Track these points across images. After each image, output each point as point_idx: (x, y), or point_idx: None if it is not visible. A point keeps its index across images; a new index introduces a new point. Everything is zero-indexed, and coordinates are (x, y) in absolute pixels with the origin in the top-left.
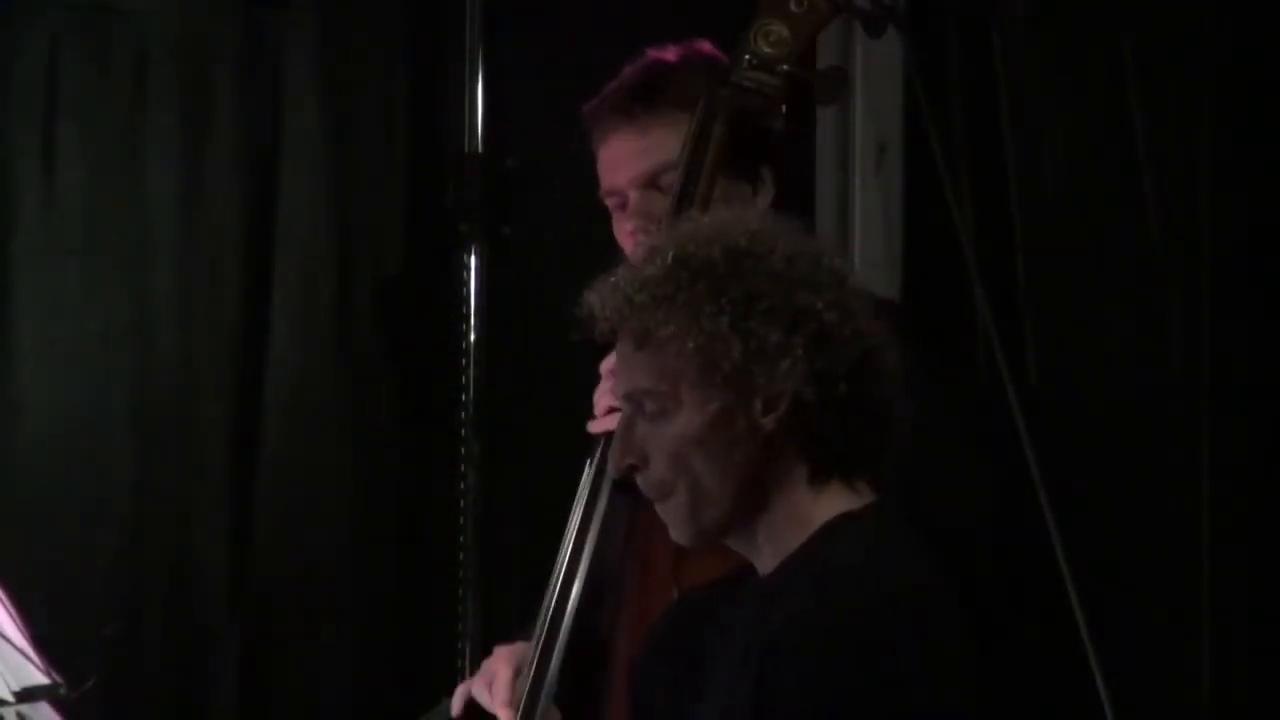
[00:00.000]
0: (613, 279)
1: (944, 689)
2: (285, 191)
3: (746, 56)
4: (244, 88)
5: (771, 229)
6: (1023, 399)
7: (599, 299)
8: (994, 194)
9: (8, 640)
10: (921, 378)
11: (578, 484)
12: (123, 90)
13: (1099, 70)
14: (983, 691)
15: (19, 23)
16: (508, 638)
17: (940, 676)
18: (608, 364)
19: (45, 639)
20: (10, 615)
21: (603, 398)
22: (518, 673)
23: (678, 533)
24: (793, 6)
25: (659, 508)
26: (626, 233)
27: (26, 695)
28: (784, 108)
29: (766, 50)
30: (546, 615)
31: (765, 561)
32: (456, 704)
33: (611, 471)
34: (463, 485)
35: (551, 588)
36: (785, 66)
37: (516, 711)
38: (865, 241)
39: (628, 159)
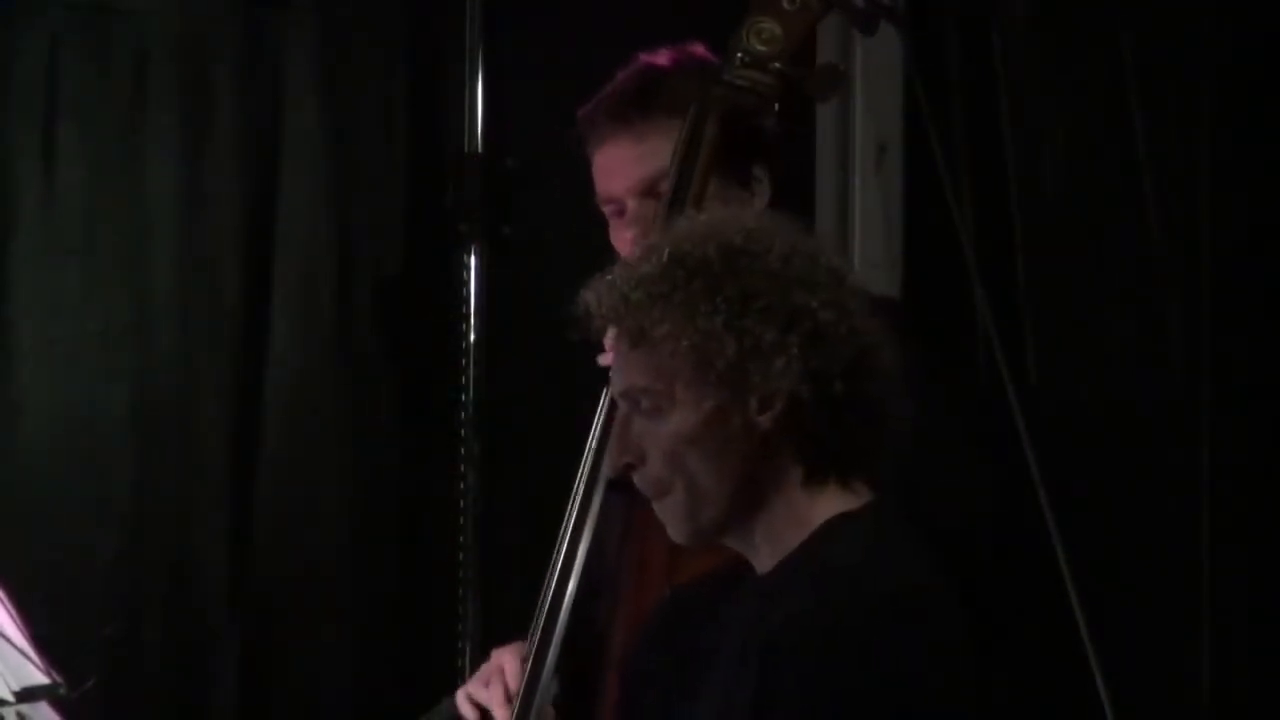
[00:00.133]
0: (609, 277)
1: (944, 689)
2: (285, 191)
3: (739, 54)
4: (244, 88)
5: (768, 227)
6: (1023, 399)
7: (595, 297)
8: (994, 194)
9: (8, 640)
10: (921, 378)
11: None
12: (123, 90)
13: (1099, 70)
14: (983, 691)
15: (19, 23)
16: (508, 638)
17: (941, 676)
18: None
19: (45, 639)
20: (10, 615)
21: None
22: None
23: (675, 532)
24: (785, 4)
25: (656, 506)
26: (625, 240)
27: (26, 695)
28: (777, 106)
29: (759, 48)
30: (542, 614)
31: (763, 561)
32: (466, 709)
33: (609, 470)
34: (463, 485)
35: (547, 586)
36: (778, 64)
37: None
38: (865, 241)
39: (624, 167)
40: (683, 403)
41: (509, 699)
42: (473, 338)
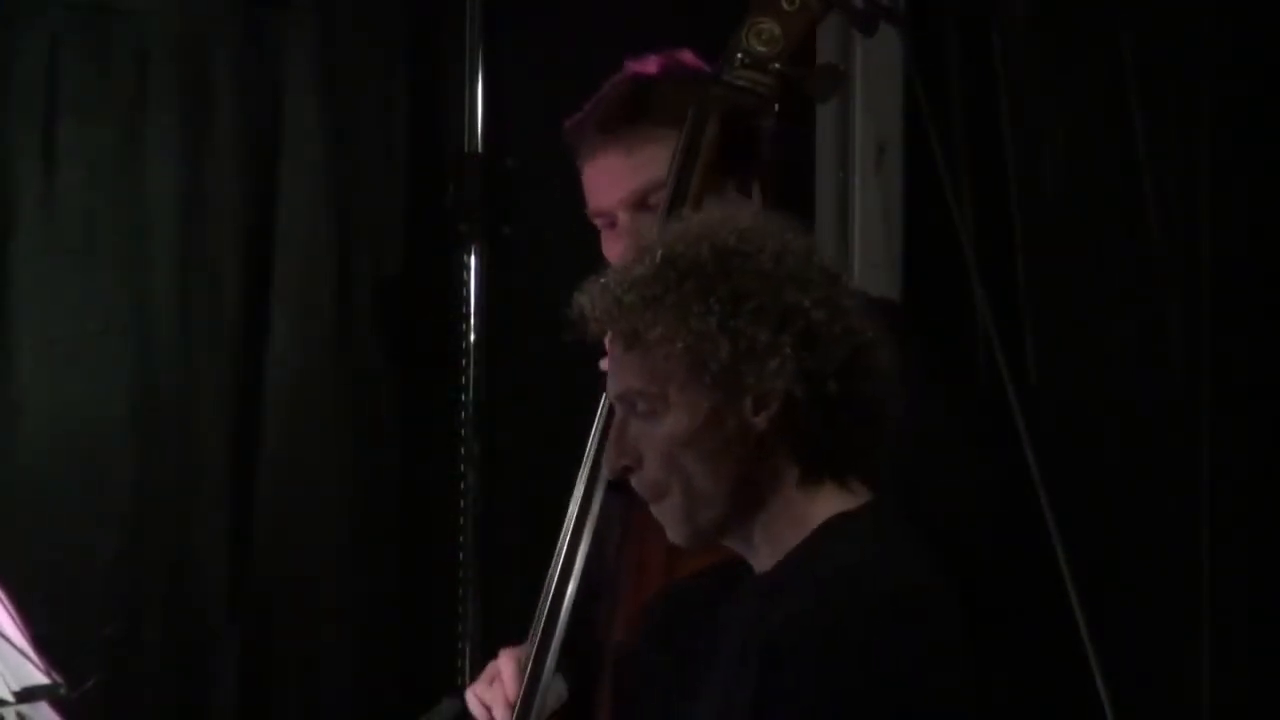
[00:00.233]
0: (602, 280)
1: (944, 688)
2: (285, 191)
3: (739, 55)
4: (244, 88)
5: (761, 227)
6: (1023, 399)
7: (589, 300)
8: (994, 194)
9: (8, 640)
10: (921, 378)
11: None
12: (123, 90)
13: (1099, 70)
14: (982, 691)
15: (19, 23)
16: (507, 638)
17: (940, 676)
18: None
19: (45, 639)
20: (10, 615)
21: None
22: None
23: (674, 533)
24: (784, 4)
25: (654, 509)
26: (617, 252)
27: (26, 695)
28: (777, 106)
29: (759, 48)
30: (542, 615)
31: (762, 561)
32: (477, 709)
33: (606, 472)
34: (463, 485)
35: (547, 588)
36: (777, 65)
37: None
38: (865, 241)
39: (615, 179)
40: (678, 405)
41: (508, 703)
42: (473, 338)
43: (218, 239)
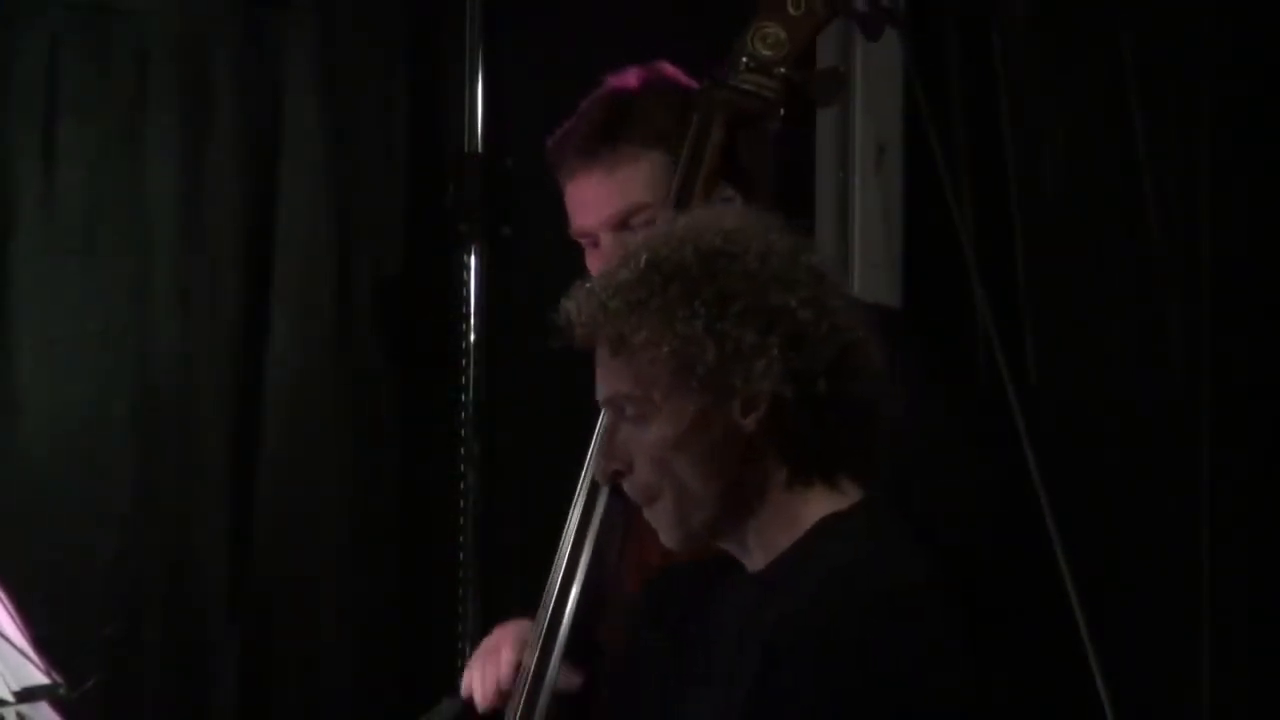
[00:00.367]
0: (587, 284)
1: (942, 686)
2: (285, 191)
3: (743, 59)
4: (244, 88)
5: (747, 227)
6: (1023, 399)
7: (574, 305)
8: (994, 194)
9: (8, 640)
10: (921, 378)
11: (577, 484)
12: (123, 90)
13: (1099, 70)
14: (980, 688)
15: (19, 23)
16: None
17: (938, 674)
18: None
19: (45, 639)
20: (10, 615)
21: None
22: (518, 666)
23: (667, 537)
24: (790, 9)
25: (647, 513)
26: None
27: (26, 695)
28: (782, 110)
29: (764, 53)
30: (545, 617)
31: (756, 563)
32: (475, 688)
33: (597, 477)
34: (463, 485)
35: (550, 590)
36: (782, 69)
37: (515, 711)
38: (865, 241)
39: (597, 202)
40: (666, 408)
41: (498, 686)
42: (473, 338)
43: (218, 239)
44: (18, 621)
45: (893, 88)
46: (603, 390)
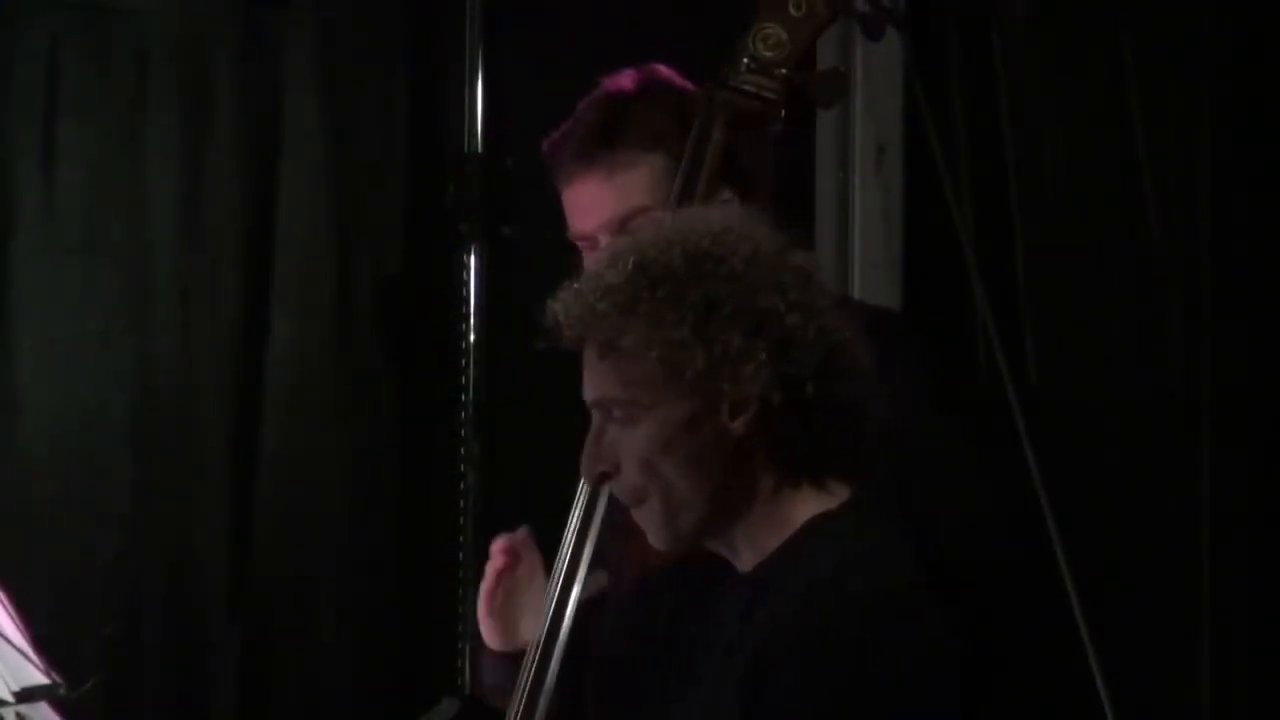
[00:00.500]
0: (576, 285)
1: (936, 686)
2: (285, 191)
3: (745, 60)
4: (244, 88)
5: (734, 228)
6: (1023, 399)
7: (562, 307)
8: (994, 194)
9: (7, 640)
10: (921, 378)
11: (577, 484)
12: (123, 90)
13: (1099, 70)
14: (977, 686)
15: (19, 23)
16: None
17: (932, 673)
18: None
19: (45, 639)
20: (10, 616)
21: None
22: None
23: (655, 538)
24: (791, 10)
25: (635, 514)
26: None
27: (26, 695)
28: (783, 112)
29: (765, 54)
30: (547, 616)
31: (745, 563)
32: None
33: (585, 479)
34: (463, 485)
35: (551, 589)
36: (783, 70)
37: (516, 711)
38: (865, 241)
39: (595, 206)
40: (654, 412)
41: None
42: (473, 338)
43: (218, 239)
44: (18, 621)
45: (893, 87)
46: (590, 392)
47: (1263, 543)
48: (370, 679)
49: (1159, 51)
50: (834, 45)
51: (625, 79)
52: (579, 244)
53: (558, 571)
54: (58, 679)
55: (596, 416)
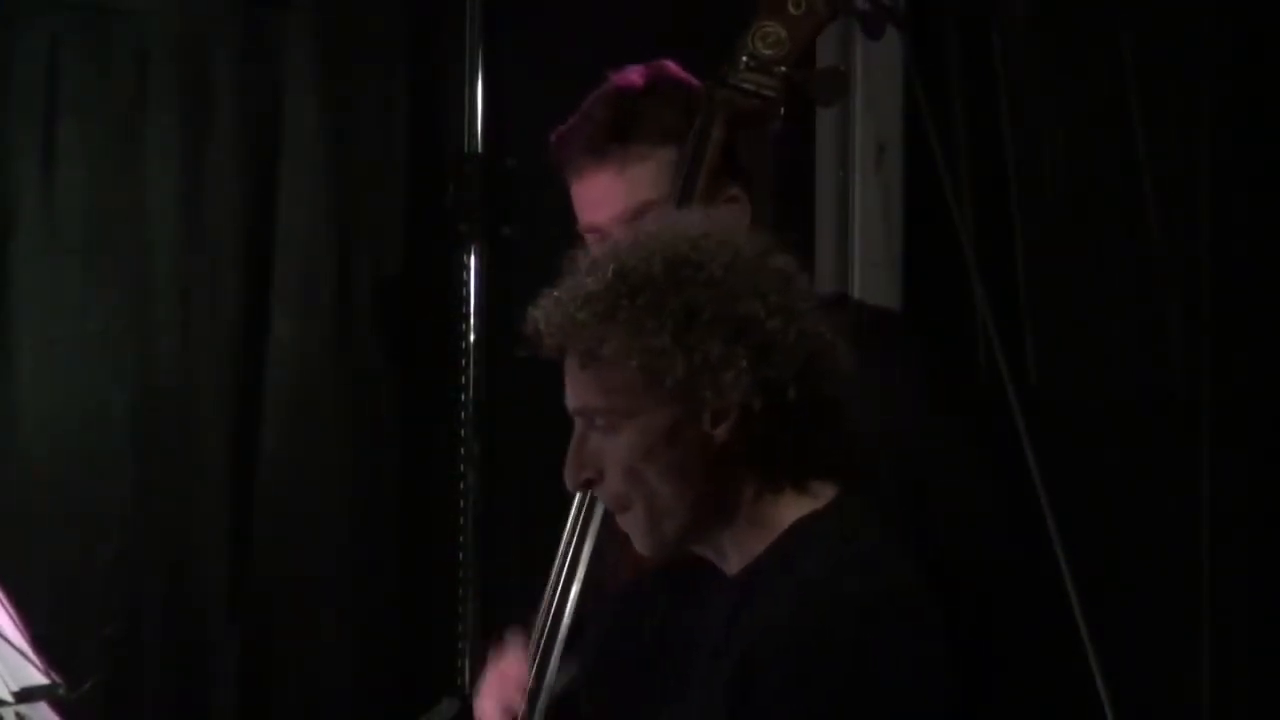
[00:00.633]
0: (555, 293)
1: (933, 686)
2: (285, 191)
3: (744, 58)
4: (244, 88)
5: (714, 233)
6: (1023, 399)
7: (543, 316)
8: (994, 194)
9: (7, 641)
10: (921, 378)
11: None
12: (123, 90)
13: (1099, 70)
14: (977, 686)
15: (19, 23)
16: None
17: (929, 673)
18: None
19: (45, 639)
20: (10, 616)
21: None
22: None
23: (640, 544)
24: (791, 8)
25: (619, 520)
26: None
27: (26, 695)
28: (783, 110)
29: (765, 52)
30: (546, 617)
31: (732, 566)
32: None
33: (568, 486)
34: (463, 485)
35: (551, 590)
36: (783, 68)
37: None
38: (865, 241)
39: (608, 199)
40: (636, 419)
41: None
42: (473, 338)
43: (218, 239)
44: (17, 621)
45: (893, 87)
46: (572, 400)
47: (1263, 543)
48: (370, 679)
49: (1159, 51)
50: (834, 44)
51: (634, 74)
52: (588, 236)
53: (557, 572)
54: (57, 679)
55: (579, 424)
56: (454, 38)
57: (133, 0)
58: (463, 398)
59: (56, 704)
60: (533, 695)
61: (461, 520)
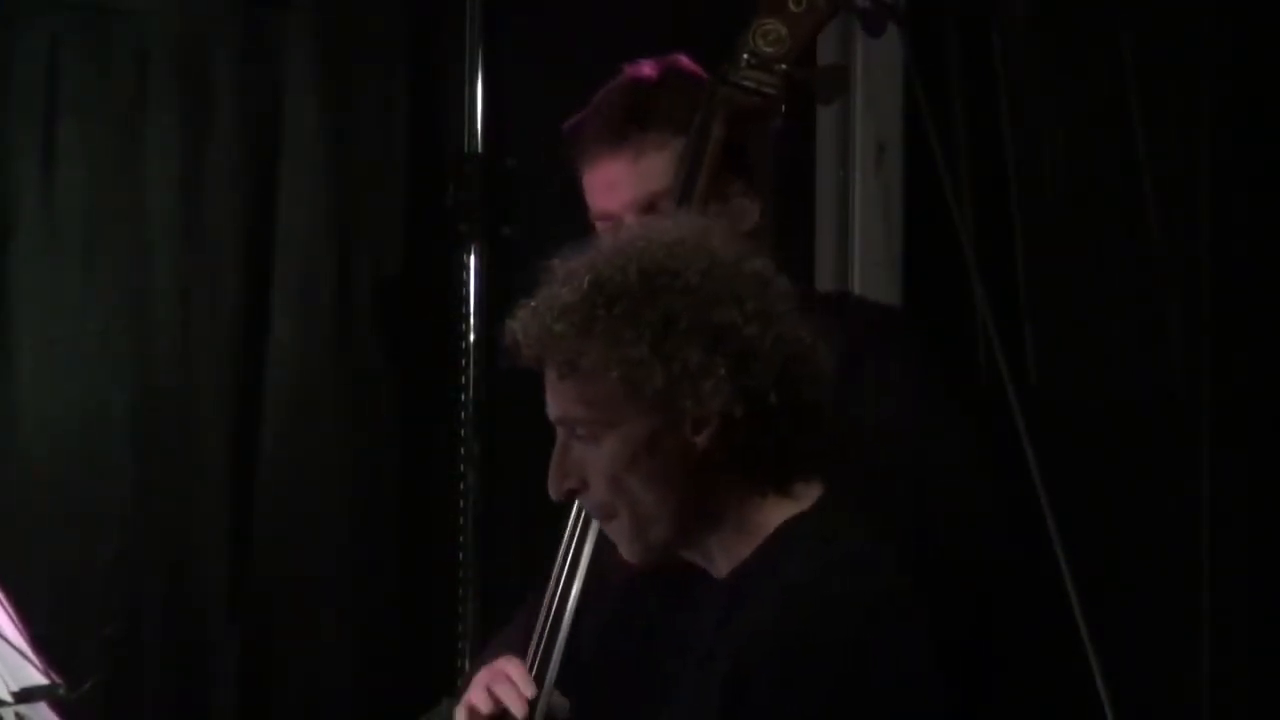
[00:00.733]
0: (532, 304)
1: (922, 685)
2: (285, 191)
3: (745, 56)
4: (244, 88)
5: (689, 239)
6: (1023, 399)
7: (520, 327)
8: (994, 194)
9: (7, 641)
10: (922, 378)
11: None
12: (123, 90)
13: (1099, 70)
14: (977, 686)
15: (19, 23)
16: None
17: (918, 672)
18: None
19: (45, 639)
20: (9, 616)
21: None
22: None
23: (626, 551)
24: (792, 6)
25: (605, 528)
26: None
27: (25, 696)
28: (784, 108)
29: (765, 49)
30: (546, 618)
31: (720, 570)
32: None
33: (552, 495)
34: (463, 485)
35: (551, 590)
36: (784, 66)
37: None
38: (865, 241)
39: (623, 185)
40: (617, 429)
41: (524, 700)
42: (473, 338)
43: (218, 239)
44: (17, 622)
45: (893, 86)
46: (553, 410)
47: (1263, 543)
48: (370, 679)
49: (1159, 51)
50: (834, 43)
51: (647, 67)
52: (598, 224)
53: (556, 574)
54: (57, 679)
55: (561, 433)
56: (454, 38)
57: (133, 0)
58: (463, 398)
59: (56, 704)
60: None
61: (461, 520)
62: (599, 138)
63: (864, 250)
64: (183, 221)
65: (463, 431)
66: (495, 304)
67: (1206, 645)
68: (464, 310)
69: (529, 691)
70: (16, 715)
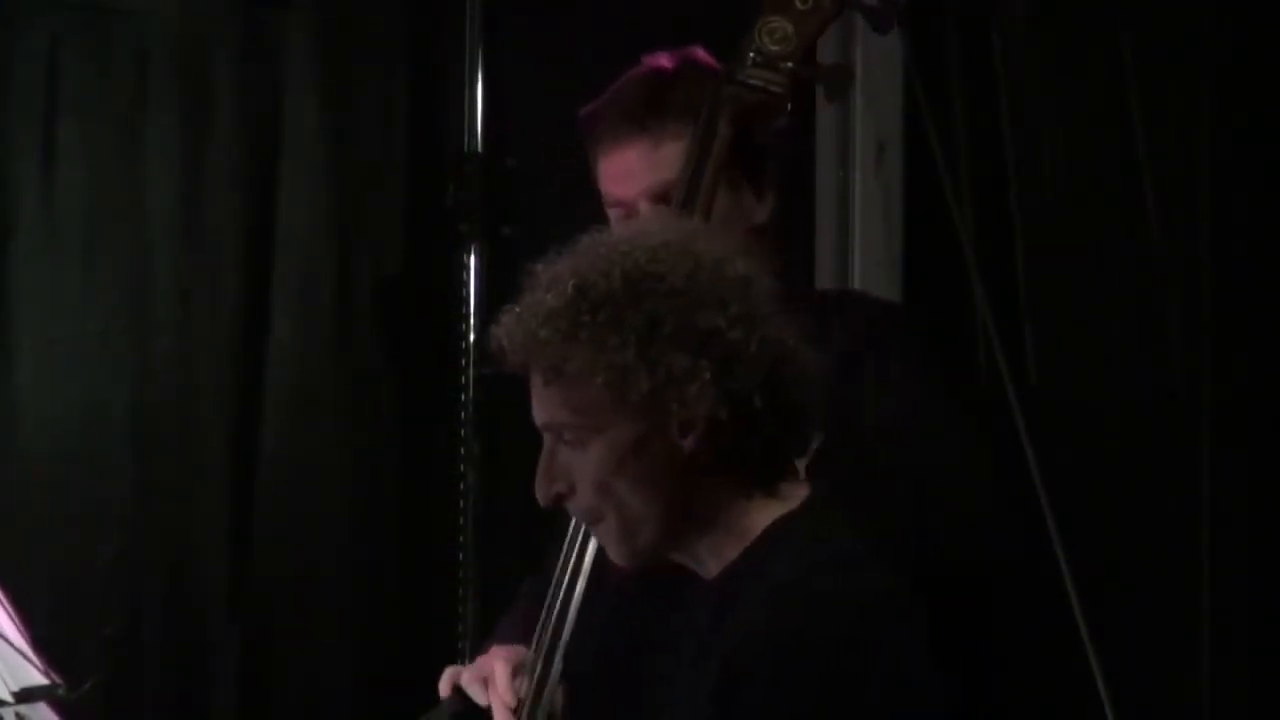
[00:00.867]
0: (516, 309)
1: (912, 683)
2: (285, 191)
3: (751, 54)
4: (244, 88)
5: (673, 243)
6: (1023, 399)
7: (505, 333)
8: (994, 194)
9: (7, 641)
10: (922, 378)
11: None
12: (123, 90)
13: (1099, 70)
14: (977, 686)
15: (19, 23)
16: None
17: (908, 670)
18: None
19: (45, 639)
20: (10, 616)
21: None
22: (515, 673)
23: (615, 555)
24: (798, 3)
25: (593, 532)
26: None
27: (25, 696)
28: (790, 105)
29: (771, 47)
30: (549, 618)
31: (710, 571)
32: (445, 686)
33: (540, 501)
34: (463, 485)
35: (553, 591)
36: (790, 64)
37: (520, 714)
38: (865, 240)
39: (640, 171)
40: (603, 434)
41: (506, 707)
42: (472, 338)
43: (218, 239)
44: (17, 622)
45: (893, 85)
46: (539, 415)
47: (1263, 543)
48: (370, 679)
49: (1159, 51)
50: (834, 43)
51: (663, 58)
52: (611, 211)
53: (559, 574)
54: (57, 679)
55: (547, 439)
56: (454, 38)
57: (133, 0)
58: (463, 398)
59: (56, 704)
60: (535, 696)
61: (461, 520)
62: (617, 126)
63: (864, 250)
64: (183, 221)
65: (463, 431)
66: (495, 304)
67: (1206, 645)
68: (464, 310)
69: (510, 701)
70: (16, 715)
